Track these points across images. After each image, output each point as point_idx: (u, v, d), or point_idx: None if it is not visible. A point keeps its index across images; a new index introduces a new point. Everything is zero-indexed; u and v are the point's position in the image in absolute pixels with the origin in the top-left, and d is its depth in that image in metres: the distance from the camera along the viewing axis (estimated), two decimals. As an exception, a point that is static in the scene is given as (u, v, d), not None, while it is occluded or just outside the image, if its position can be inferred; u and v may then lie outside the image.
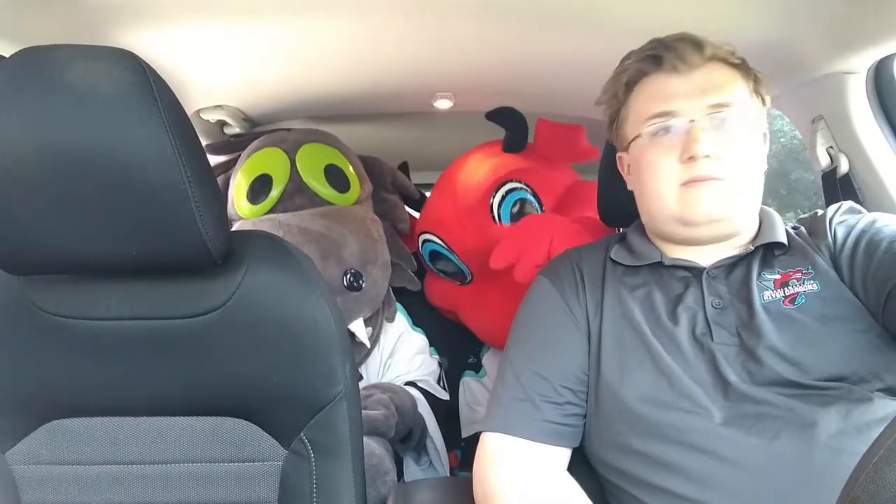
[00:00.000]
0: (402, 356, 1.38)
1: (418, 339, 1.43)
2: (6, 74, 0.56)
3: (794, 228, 0.78)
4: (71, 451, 0.71)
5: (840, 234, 0.73)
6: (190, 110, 1.32)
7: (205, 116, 1.37)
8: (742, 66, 0.75)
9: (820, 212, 0.79)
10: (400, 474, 1.27)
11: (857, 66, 1.03)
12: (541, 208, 1.35)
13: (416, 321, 1.48)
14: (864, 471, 0.33)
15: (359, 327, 1.28)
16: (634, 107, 0.78)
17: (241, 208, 1.31)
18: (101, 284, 0.69)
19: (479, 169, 1.40)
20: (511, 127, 1.39)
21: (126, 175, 0.57)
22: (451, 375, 1.50)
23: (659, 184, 0.73)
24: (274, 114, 1.44)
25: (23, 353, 0.69)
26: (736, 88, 0.73)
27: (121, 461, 0.71)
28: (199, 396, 0.71)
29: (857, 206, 0.78)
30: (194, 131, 0.63)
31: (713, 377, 0.67)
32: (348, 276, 1.23)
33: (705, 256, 0.76)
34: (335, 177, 1.34)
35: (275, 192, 1.28)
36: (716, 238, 0.75)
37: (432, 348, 1.47)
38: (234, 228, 1.29)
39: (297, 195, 1.29)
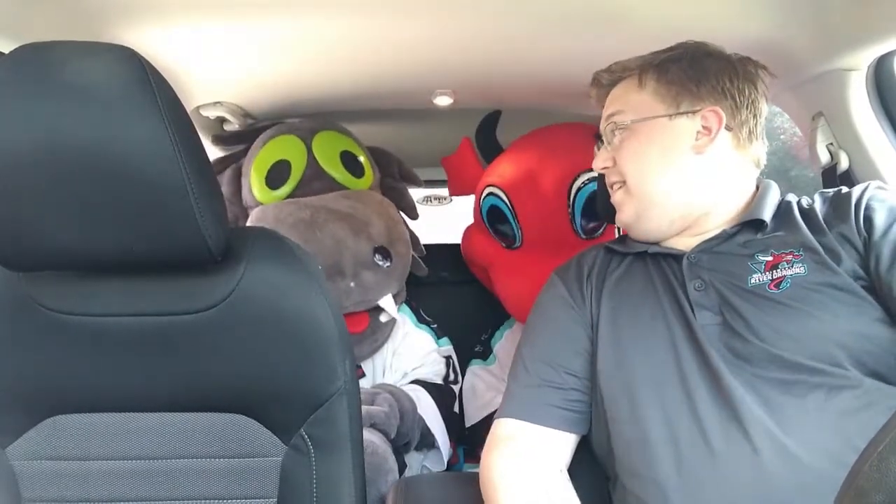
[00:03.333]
0: (407, 355, 1.39)
1: (423, 338, 1.43)
2: (6, 71, 0.56)
3: (809, 203, 0.78)
4: (71, 446, 0.71)
5: (881, 217, 0.70)
6: (189, 107, 1.32)
7: (204, 113, 1.37)
8: (639, 75, 0.80)
9: (844, 189, 0.77)
10: (402, 473, 1.28)
11: (858, 63, 1.03)
12: None
13: (426, 310, 1.49)
14: (867, 460, 0.33)
15: (388, 302, 1.31)
16: None
17: (258, 194, 1.32)
18: (102, 281, 0.69)
19: (567, 147, 1.39)
20: None
21: (126, 172, 0.57)
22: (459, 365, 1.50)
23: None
24: (274, 110, 1.44)
25: (23, 349, 0.69)
26: (628, 97, 0.81)
27: (121, 456, 0.71)
28: (200, 392, 0.71)
29: (884, 184, 0.76)
30: (194, 128, 0.63)
31: (700, 366, 0.68)
32: (378, 253, 1.28)
33: (687, 242, 0.79)
34: (350, 163, 1.38)
35: (294, 178, 1.31)
36: (656, 235, 0.80)
37: (442, 340, 1.48)
38: (252, 215, 1.32)
39: (316, 180, 1.32)
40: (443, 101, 1.42)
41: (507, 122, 1.53)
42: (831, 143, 1.11)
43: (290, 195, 1.31)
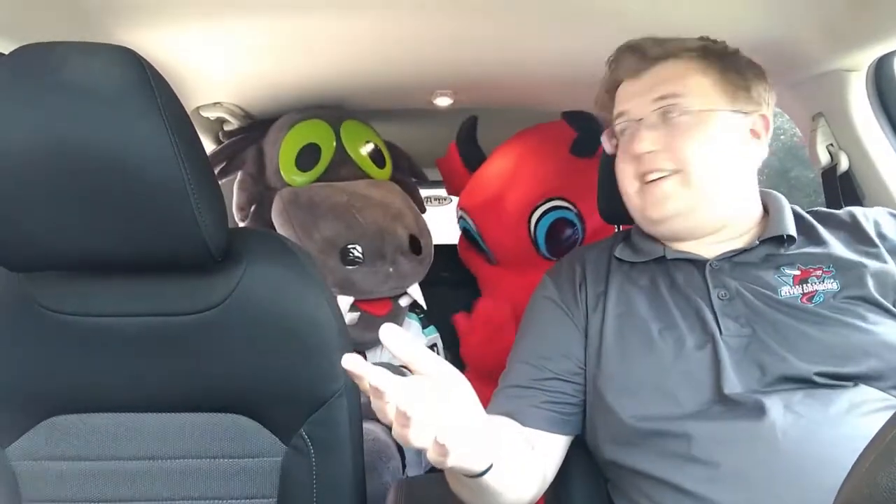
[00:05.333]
0: None
1: (411, 326, 1.48)
2: (5, 71, 0.56)
3: (850, 215, 0.77)
4: (71, 446, 0.71)
5: None
6: (189, 107, 1.32)
7: (204, 113, 1.37)
8: (704, 55, 0.76)
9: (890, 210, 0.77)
10: (404, 466, 1.28)
11: (858, 64, 1.03)
12: (582, 229, 1.35)
13: (430, 311, 1.51)
14: (857, 474, 0.33)
15: (416, 291, 1.36)
16: (614, 111, 0.82)
17: (287, 176, 1.34)
18: (102, 281, 0.69)
19: (532, 171, 1.40)
20: (582, 131, 1.39)
21: (125, 172, 0.57)
22: (459, 366, 1.51)
23: (624, 182, 0.79)
24: (273, 111, 1.44)
25: (23, 349, 0.69)
26: (688, 81, 0.74)
27: (121, 457, 0.71)
28: (199, 392, 0.71)
29: None
30: (193, 128, 0.63)
31: (714, 375, 0.66)
32: (412, 242, 1.32)
33: (709, 249, 0.76)
34: (373, 153, 1.42)
35: (323, 162, 1.34)
36: (688, 233, 0.76)
37: (428, 329, 1.51)
38: (281, 196, 1.32)
39: (342, 167, 1.35)
40: (443, 101, 1.42)
41: (507, 121, 1.53)
42: (831, 144, 1.11)
43: (318, 179, 1.33)
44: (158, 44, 1.01)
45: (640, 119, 0.75)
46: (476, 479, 0.55)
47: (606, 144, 0.83)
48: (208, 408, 0.72)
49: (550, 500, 0.79)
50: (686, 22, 0.77)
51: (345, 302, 1.27)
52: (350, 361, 0.45)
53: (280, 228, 1.30)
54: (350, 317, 1.29)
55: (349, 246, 1.25)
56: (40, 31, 0.70)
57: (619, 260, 0.81)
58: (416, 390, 0.46)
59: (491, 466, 0.54)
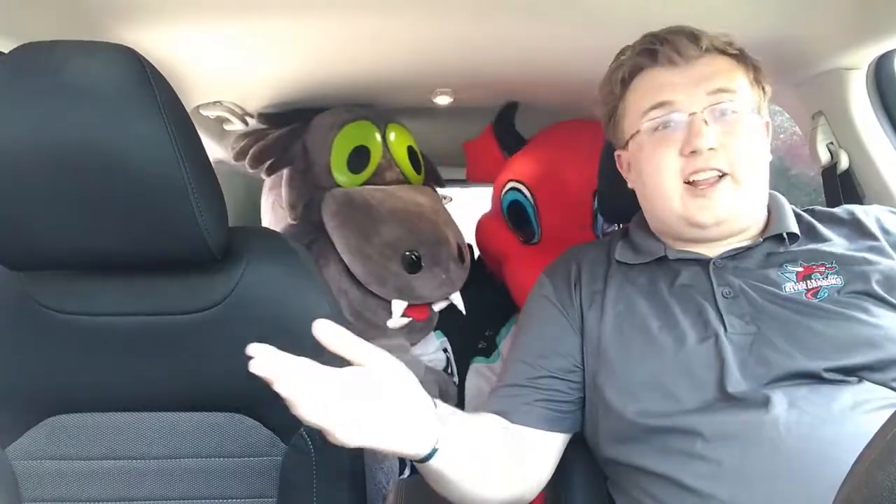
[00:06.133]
0: (423, 345, 1.44)
1: (432, 338, 1.48)
2: (5, 70, 0.56)
3: (848, 212, 0.77)
4: (71, 446, 0.71)
5: None
6: (189, 107, 1.32)
7: (204, 113, 1.37)
8: (740, 57, 0.75)
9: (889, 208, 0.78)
10: (404, 465, 1.28)
11: (858, 63, 1.02)
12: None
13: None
14: (857, 474, 0.33)
15: (457, 297, 1.36)
16: (632, 102, 0.77)
17: (339, 177, 1.33)
18: (102, 280, 0.69)
19: (593, 148, 1.36)
20: None
21: (125, 171, 0.57)
22: (461, 364, 1.51)
23: (662, 180, 0.72)
24: (274, 110, 1.44)
25: (23, 348, 0.69)
26: (736, 77, 0.73)
27: (121, 456, 0.71)
28: (200, 392, 0.71)
29: None
30: (194, 127, 0.63)
31: (717, 373, 0.66)
32: (460, 249, 1.32)
33: (712, 248, 0.75)
34: (413, 158, 1.42)
35: (372, 165, 1.33)
36: (725, 235, 0.75)
37: (437, 332, 1.50)
38: (333, 196, 1.31)
39: (388, 170, 1.35)
40: (443, 100, 1.42)
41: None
42: (831, 143, 1.10)
43: (365, 182, 1.33)
44: (158, 43, 1.00)
45: (694, 112, 0.70)
46: (428, 466, 0.57)
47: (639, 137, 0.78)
48: (209, 407, 0.72)
49: (550, 497, 0.79)
50: (687, 20, 0.76)
51: (399, 306, 1.28)
52: (253, 349, 0.50)
53: (335, 230, 1.28)
54: (401, 321, 1.29)
55: (410, 252, 1.25)
56: (40, 31, 0.70)
57: (619, 262, 0.80)
58: (319, 378, 0.50)
59: (434, 452, 0.55)
